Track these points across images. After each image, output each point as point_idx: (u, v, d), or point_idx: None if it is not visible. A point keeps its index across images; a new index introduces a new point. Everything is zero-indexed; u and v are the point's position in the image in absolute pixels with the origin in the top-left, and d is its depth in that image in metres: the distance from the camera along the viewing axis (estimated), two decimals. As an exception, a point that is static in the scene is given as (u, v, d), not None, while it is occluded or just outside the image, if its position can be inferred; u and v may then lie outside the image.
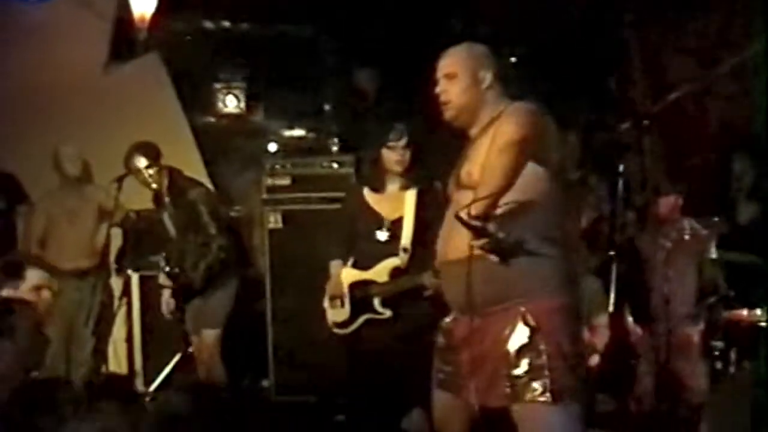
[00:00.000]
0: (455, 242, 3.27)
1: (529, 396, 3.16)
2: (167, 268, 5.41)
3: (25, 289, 4.35)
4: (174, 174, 5.61)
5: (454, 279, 3.32)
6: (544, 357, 3.15)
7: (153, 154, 5.53)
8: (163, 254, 5.53)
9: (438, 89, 3.47)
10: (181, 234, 5.52)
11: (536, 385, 3.16)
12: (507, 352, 3.19)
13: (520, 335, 3.19)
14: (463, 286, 3.24)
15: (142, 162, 5.50)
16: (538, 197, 3.23)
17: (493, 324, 3.24)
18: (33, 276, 4.41)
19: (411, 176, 4.96)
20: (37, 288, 4.40)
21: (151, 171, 5.50)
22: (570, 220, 3.32)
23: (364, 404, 5.14)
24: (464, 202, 3.19)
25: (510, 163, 3.20)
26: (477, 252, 3.13)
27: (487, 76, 3.42)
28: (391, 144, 4.93)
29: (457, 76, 3.42)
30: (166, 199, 5.57)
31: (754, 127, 5.57)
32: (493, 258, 3.13)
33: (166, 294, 5.53)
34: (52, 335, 6.07)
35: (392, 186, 5.00)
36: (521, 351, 3.18)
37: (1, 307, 4.02)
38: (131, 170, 5.53)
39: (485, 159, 3.22)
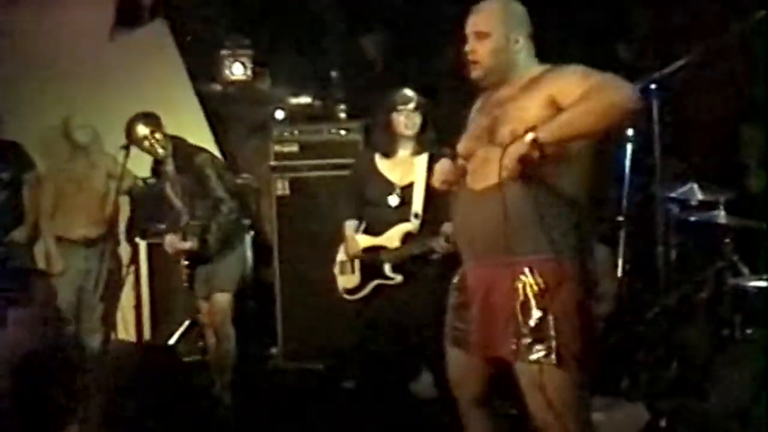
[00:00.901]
0: (485, 177, 3.23)
1: (533, 356, 3.13)
2: (181, 234, 5.43)
3: None
4: (177, 141, 5.62)
5: (474, 217, 3.29)
6: (551, 318, 3.11)
7: (154, 122, 5.54)
8: (174, 222, 5.55)
9: (467, 47, 3.36)
10: (187, 202, 5.53)
11: (540, 346, 3.12)
12: (514, 309, 3.16)
13: (528, 293, 3.15)
14: (482, 225, 3.23)
15: (144, 130, 5.51)
16: (577, 153, 3.19)
17: (502, 279, 3.21)
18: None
19: (422, 140, 4.96)
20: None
21: (156, 136, 5.51)
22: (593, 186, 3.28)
23: (373, 370, 5.17)
24: (497, 157, 3.14)
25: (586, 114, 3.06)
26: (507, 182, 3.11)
27: (520, 38, 3.32)
28: (400, 108, 4.93)
29: (488, 36, 3.31)
30: (169, 168, 5.58)
31: (757, 93, 5.57)
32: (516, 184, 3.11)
33: (182, 259, 5.54)
34: (62, 303, 6.12)
35: (403, 151, 5.00)
36: (528, 309, 3.15)
37: (20, 277, 4.04)
38: (134, 140, 5.53)
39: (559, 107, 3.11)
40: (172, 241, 5.59)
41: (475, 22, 3.35)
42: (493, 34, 3.31)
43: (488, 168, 3.22)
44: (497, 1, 3.39)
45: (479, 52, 3.32)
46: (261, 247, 6.38)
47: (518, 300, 3.16)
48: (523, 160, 3.04)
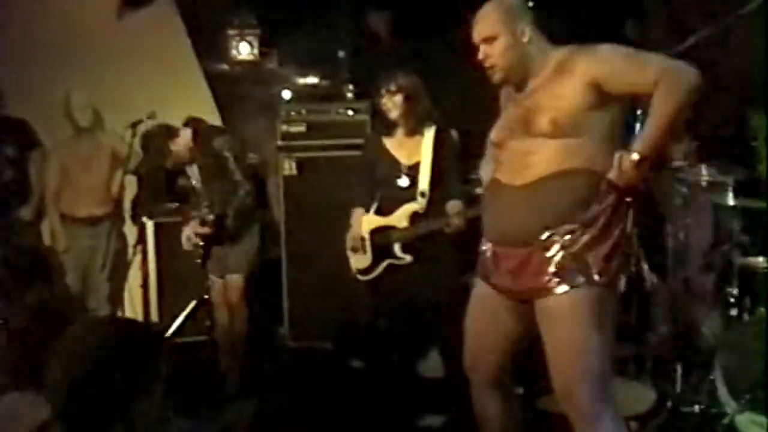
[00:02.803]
0: (525, 170, 3.26)
1: (560, 289, 3.16)
2: (199, 216, 5.42)
3: None
4: (197, 122, 5.60)
5: (513, 212, 3.30)
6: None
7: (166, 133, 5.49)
8: (194, 204, 5.54)
9: (480, 55, 3.39)
10: (206, 183, 5.51)
11: (570, 278, 3.16)
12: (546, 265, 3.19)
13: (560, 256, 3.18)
14: (521, 218, 3.26)
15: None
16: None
17: (536, 253, 3.23)
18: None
19: (409, 122, 4.96)
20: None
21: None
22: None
23: (381, 350, 5.18)
24: (533, 148, 3.22)
25: None
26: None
27: (526, 30, 3.35)
28: (382, 92, 4.95)
29: (496, 38, 3.34)
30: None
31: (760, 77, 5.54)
32: None
33: (197, 240, 5.53)
34: (67, 282, 6.14)
35: (399, 132, 5.02)
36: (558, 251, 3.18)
37: (32, 253, 4.03)
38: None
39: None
40: (189, 235, 5.57)
41: (479, 31, 3.40)
42: (500, 35, 3.34)
43: (528, 161, 3.25)
44: (492, 4, 3.42)
45: (492, 55, 3.36)
46: (268, 227, 6.36)
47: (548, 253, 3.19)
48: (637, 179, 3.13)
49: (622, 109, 3.28)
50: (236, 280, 5.52)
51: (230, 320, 5.59)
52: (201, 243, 5.52)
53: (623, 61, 3.20)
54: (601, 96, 3.18)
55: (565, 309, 3.18)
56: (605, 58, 3.22)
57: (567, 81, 3.23)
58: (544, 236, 3.20)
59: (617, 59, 3.21)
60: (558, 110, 3.20)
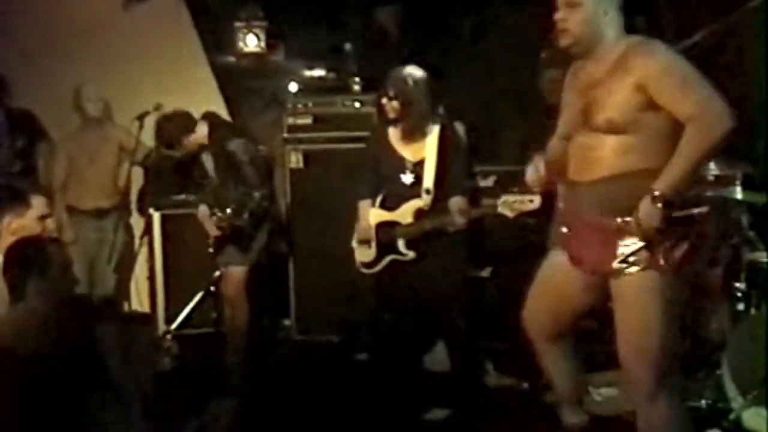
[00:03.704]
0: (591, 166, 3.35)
1: (632, 269, 3.27)
2: (215, 215, 5.41)
3: (31, 217, 4.33)
4: (214, 119, 5.60)
5: (579, 207, 3.43)
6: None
7: (184, 124, 5.51)
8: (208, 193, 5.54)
9: (557, 15, 3.40)
10: (220, 178, 5.50)
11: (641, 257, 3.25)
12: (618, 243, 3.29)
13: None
14: (588, 212, 3.38)
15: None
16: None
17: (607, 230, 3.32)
18: (39, 204, 4.38)
19: (407, 124, 4.95)
20: (42, 217, 4.37)
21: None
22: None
23: (386, 343, 5.18)
24: (596, 144, 3.32)
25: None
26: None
27: (610, 10, 3.37)
28: (381, 93, 4.96)
29: (580, 5, 3.36)
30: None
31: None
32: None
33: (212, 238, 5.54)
34: (75, 273, 6.14)
35: (401, 129, 5.01)
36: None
37: (34, 245, 4.02)
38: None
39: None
40: (206, 220, 5.58)
41: None
42: (585, 4, 3.36)
43: (593, 155, 3.35)
44: None
45: (570, 20, 3.37)
46: (274, 219, 6.36)
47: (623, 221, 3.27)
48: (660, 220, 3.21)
49: None
50: (237, 272, 5.51)
51: (232, 313, 5.59)
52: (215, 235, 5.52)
53: (671, 81, 3.23)
54: (649, 99, 3.25)
55: (633, 290, 3.31)
56: (658, 69, 3.25)
57: (622, 79, 3.29)
58: (617, 222, 3.29)
59: (666, 77, 3.25)
60: (613, 108, 3.28)
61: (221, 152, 5.43)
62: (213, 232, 5.46)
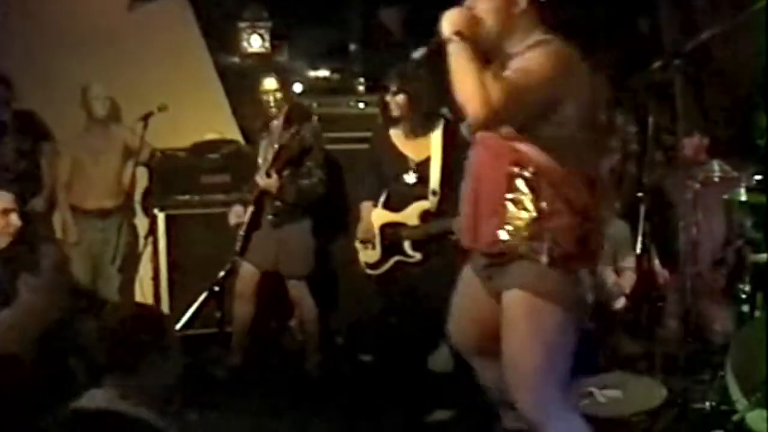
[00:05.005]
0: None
1: (525, 251, 3.11)
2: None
3: None
4: (295, 105, 5.65)
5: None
6: (538, 210, 3.08)
7: (284, 83, 5.65)
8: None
9: (465, 3, 3.21)
10: (275, 163, 5.50)
11: (535, 244, 3.09)
12: (505, 200, 3.13)
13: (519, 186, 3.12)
14: None
15: (272, 84, 5.54)
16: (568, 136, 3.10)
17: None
18: (2, 199, 4.36)
19: (412, 120, 4.95)
20: (5, 211, 4.36)
21: (277, 95, 5.55)
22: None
23: (391, 344, 5.18)
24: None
25: (542, 101, 3.06)
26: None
27: (522, 2, 3.17)
28: (386, 89, 4.96)
29: None
30: (275, 124, 5.60)
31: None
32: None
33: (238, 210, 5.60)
34: (78, 274, 6.14)
35: (404, 128, 5.01)
36: (519, 202, 3.11)
37: (26, 242, 4.03)
38: (260, 90, 5.61)
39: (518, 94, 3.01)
40: (238, 211, 5.60)
41: None
42: None
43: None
44: None
45: (478, 9, 3.18)
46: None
47: (508, 192, 3.13)
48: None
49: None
50: (297, 286, 5.55)
51: (301, 319, 5.60)
52: (242, 234, 5.52)
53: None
54: None
55: (511, 310, 3.18)
56: (539, 46, 3.14)
57: (519, 67, 3.13)
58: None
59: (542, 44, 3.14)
60: None
61: (294, 133, 5.43)
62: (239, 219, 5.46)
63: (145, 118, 6.01)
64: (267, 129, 5.68)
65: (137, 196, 6.70)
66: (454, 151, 4.94)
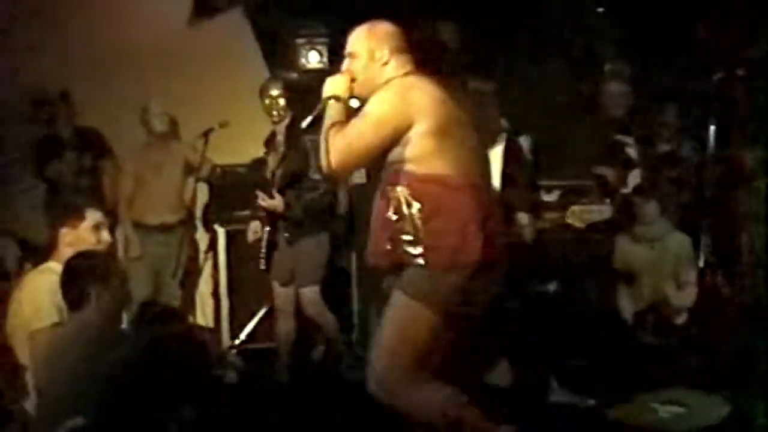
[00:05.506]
0: None
1: (407, 257, 3.47)
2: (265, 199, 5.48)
3: (85, 228, 4.45)
4: (296, 117, 5.66)
5: None
6: (418, 222, 3.44)
7: (286, 90, 5.71)
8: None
9: (343, 66, 3.77)
10: (281, 174, 5.54)
11: (412, 250, 3.45)
12: (388, 216, 3.52)
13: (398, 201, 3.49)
14: None
15: (275, 90, 5.58)
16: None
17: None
18: (92, 215, 4.49)
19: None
20: (96, 227, 4.47)
21: (280, 102, 5.58)
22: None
23: (446, 360, 5.15)
24: None
25: (386, 136, 3.51)
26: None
27: (385, 53, 3.67)
28: None
29: (356, 56, 3.71)
30: (279, 138, 5.63)
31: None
32: None
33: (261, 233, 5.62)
34: (139, 288, 6.19)
35: None
36: (399, 213, 3.48)
37: (96, 256, 4.10)
38: (263, 96, 5.67)
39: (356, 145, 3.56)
40: (255, 228, 5.64)
41: (347, 45, 3.79)
42: (359, 53, 3.72)
43: None
44: (365, 24, 3.80)
45: (351, 69, 3.73)
46: (334, 235, 6.37)
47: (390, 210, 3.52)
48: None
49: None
50: (309, 293, 5.54)
51: (321, 331, 5.62)
52: (263, 251, 5.55)
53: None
54: None
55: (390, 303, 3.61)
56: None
57: None
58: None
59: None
60: None
61: (296, 144, 5.49)
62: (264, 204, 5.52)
63: (206, 134, 6.07)
64: (273, 141, 5.70)
65: (198, 211, 6.77)
66: (514, 166, 4.93)
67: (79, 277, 3.93)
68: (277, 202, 5.46)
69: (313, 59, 7.10)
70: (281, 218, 5.52)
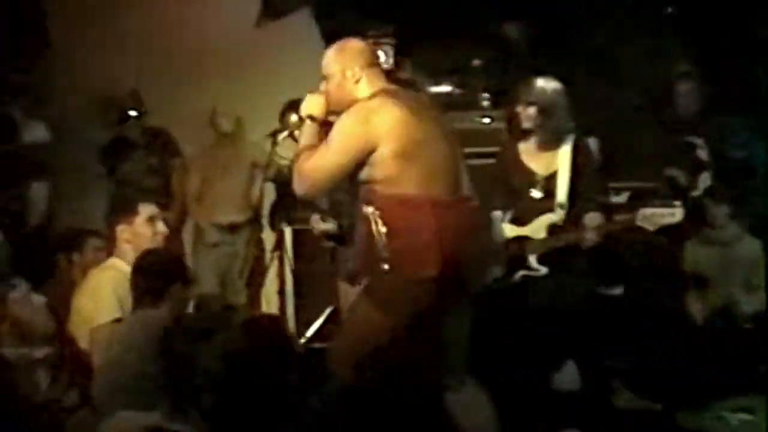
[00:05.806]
0: None
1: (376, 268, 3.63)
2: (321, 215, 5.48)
3: (140, 222, 4.53)
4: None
5: None
6: (385, 240, 3.60)
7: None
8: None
9: (321, 87, 3.86)
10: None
11: (381, 261, 3.61)
12: (364, 233, 3.69)
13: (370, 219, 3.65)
14: None
15: (293, 117, 5.60)
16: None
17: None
18: (146, 209, 4.58)
19: (543, 134, 4.91)
20: (150, 219, 4.55)
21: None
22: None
23: (514, 361, 5.13)
24: None
25: (351, 158, 3.65)
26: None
27: (356, 71, 3.76)
28: (518, 100, 4.92)
29: (330, 76, 3.80)
30: None
31: None
32: None
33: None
34: (207, 286, 6.25)
35: (534, 142, 4.97)
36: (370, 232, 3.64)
37: (172, 255, 4.22)
38: (286, 125, 5.62)
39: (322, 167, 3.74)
40: (315, 221, 5.67)
41: (322, 67, 3.86)
42: (331, 73, 3.80)
43: None
44: (335, 45, 3.91)
45: (327, 90, 3.82)
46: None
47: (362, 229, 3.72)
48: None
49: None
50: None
51: None
52: (330, 244, 5.56)
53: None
54: None
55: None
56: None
57: None
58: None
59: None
60: None
61: None
62: (321, 227, 5.52)
63: (274, 134, 6.11)
64: None
65: (265, 210, 6.81)
66: (583, 166, 4.89)
67: (152, 275, 4.01)
68: (329, 226, 5.47)
69: (380, 59, 7.10)
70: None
